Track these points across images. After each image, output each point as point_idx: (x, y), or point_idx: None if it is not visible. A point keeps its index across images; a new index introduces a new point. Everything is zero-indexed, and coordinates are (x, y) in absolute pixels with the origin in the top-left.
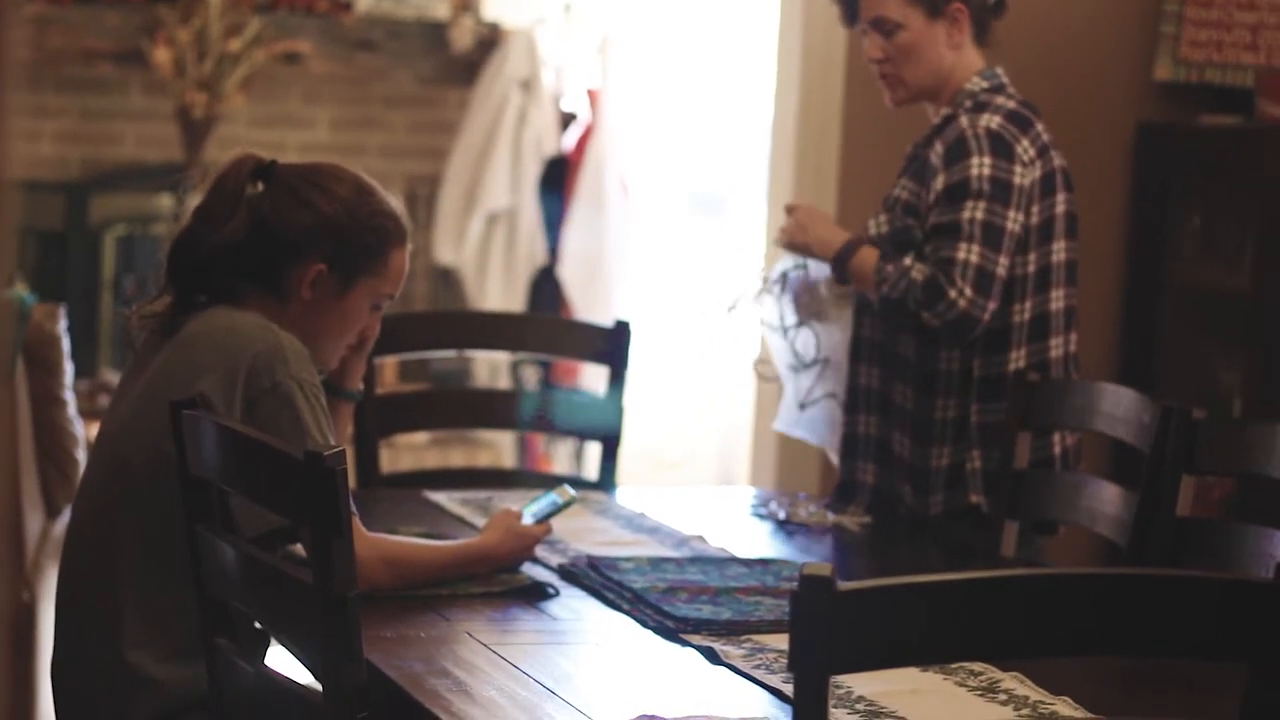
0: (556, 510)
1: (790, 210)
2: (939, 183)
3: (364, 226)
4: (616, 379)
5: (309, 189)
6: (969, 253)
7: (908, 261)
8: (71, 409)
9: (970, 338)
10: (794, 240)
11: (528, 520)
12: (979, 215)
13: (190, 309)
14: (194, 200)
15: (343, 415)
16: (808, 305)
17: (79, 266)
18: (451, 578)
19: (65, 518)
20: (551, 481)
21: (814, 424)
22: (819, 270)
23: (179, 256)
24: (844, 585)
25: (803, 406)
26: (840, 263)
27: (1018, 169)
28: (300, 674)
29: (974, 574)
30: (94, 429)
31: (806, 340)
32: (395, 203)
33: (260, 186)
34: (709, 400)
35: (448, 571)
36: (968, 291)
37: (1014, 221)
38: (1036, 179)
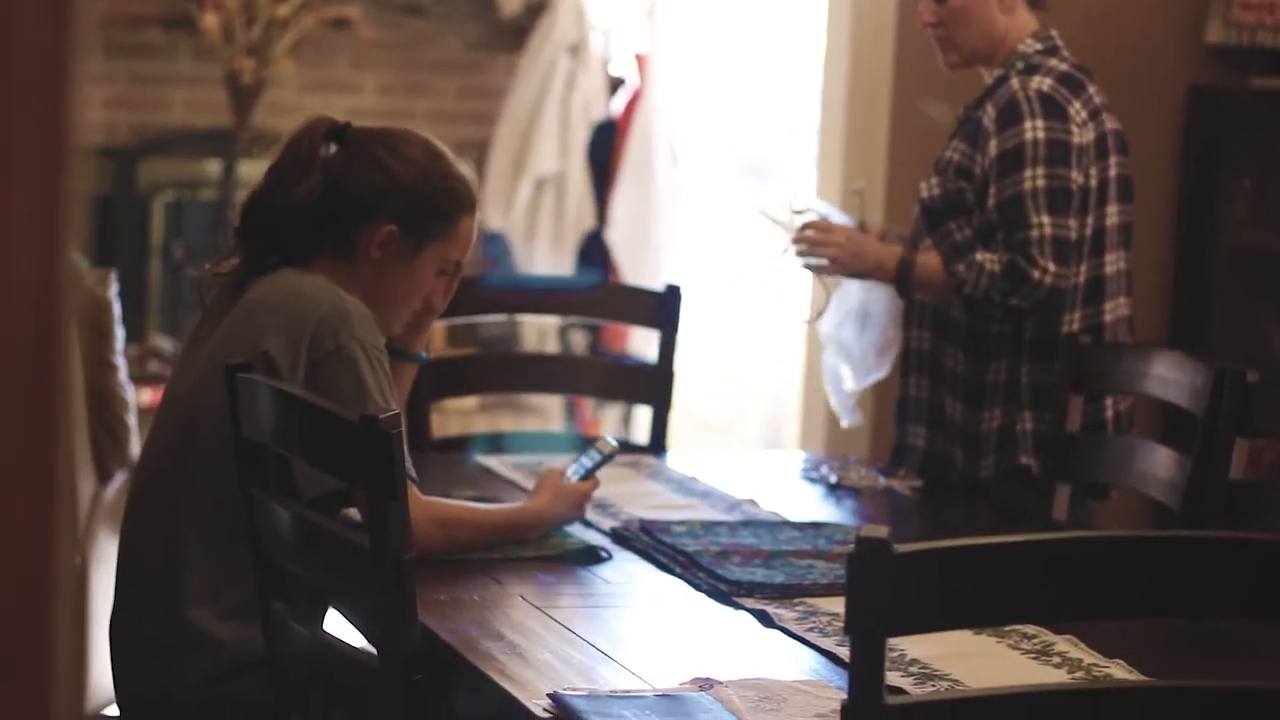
0: (600, 464)
1: (817, 229)
2: (992, 148)
3: (436, 189)
4: (666, 343)
5: (382, 150)
6: (1040, 226)
7: (979, 257)
8: (123, 374)
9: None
10: (850, 269)
11: (572, 479)
12: (1040, 182)
13: (260, 270)
14: (263, 162)
15: (405, 377)
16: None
17: (128, 232)
18: (503, 541)
19: (117, 483)
20: (587, 443)
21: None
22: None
23: (253, 216)
24: (900, 547)
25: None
26: (903, 281)
27: (1072, 128)
28: (355, 638)
29: (1029, 536)
30: (144, 394)
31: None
32: (466, 169)
33: (334, 148)
34: (757, 364)
35: (500, 534)
36: (1051, 267)
37: (1075, 181)
38: (1090, 140)
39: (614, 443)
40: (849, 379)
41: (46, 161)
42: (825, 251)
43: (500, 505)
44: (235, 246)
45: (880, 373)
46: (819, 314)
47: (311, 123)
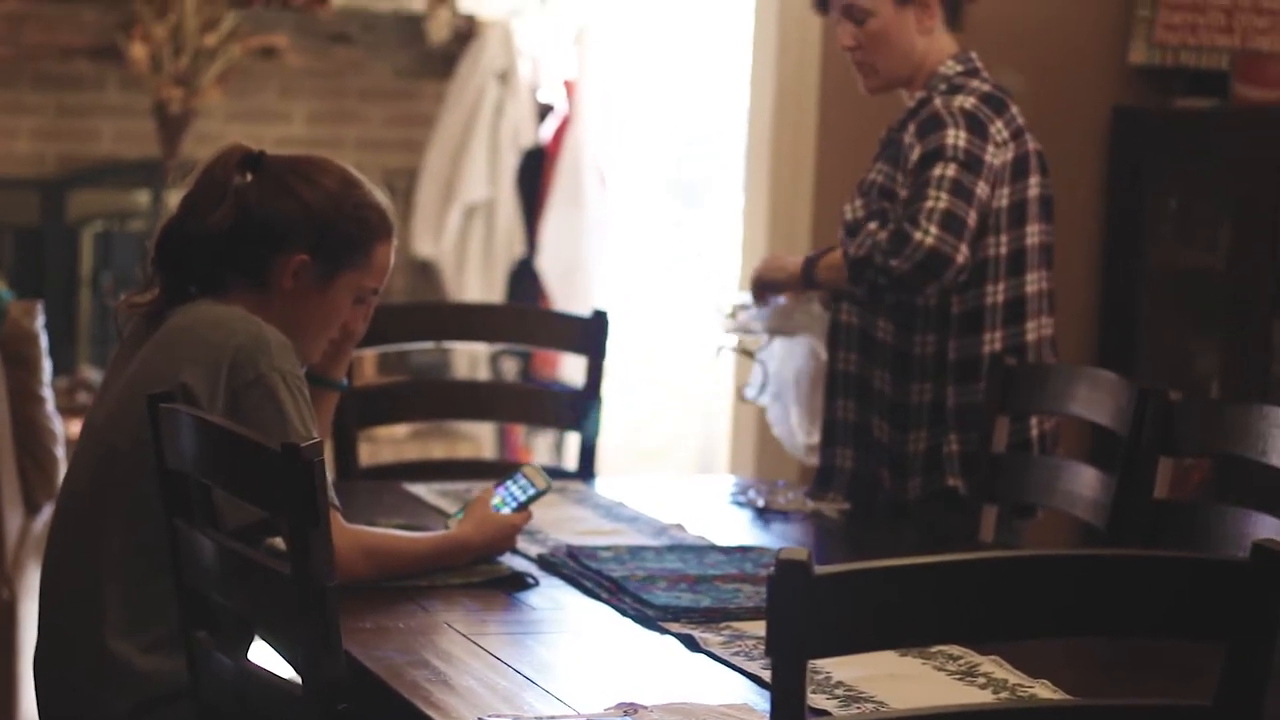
0: (533, 498)
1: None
2: (914, 154)
3: (348, 218)
4: (594, 369)
5: (295, 179)
6: (936, 199)
7: (870, 226)
8: (50, 406)
9: (941, 281)
10: (766, 279)
11: (502, 510)
12: (949, 173)
13: (177, 300)
14: (180, 191)
15: (327, 406)
16: (777, 321)
17: (56, 263)
18: (430, 569)
19: (45, 515)
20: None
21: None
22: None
23: (166, 245)
24: (820, 569)
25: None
26: (809, 268)
27: (990, 147)
28: (281, 667)
29: (950, 557)
30: (73, 426)
31: (773, 353)
32: (382, 197)
33: (248, 177)
34: (688, 389)
35: (427, 562)
36: (933, 230)
37: (982, 190)
38: (1008, 160)
39: (547, 479)
40: (799, 433)
41: None
42: (761, 280)
43: (427, 534)
44: (152, 278)
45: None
46: (758, 387)
47: (225, 151)
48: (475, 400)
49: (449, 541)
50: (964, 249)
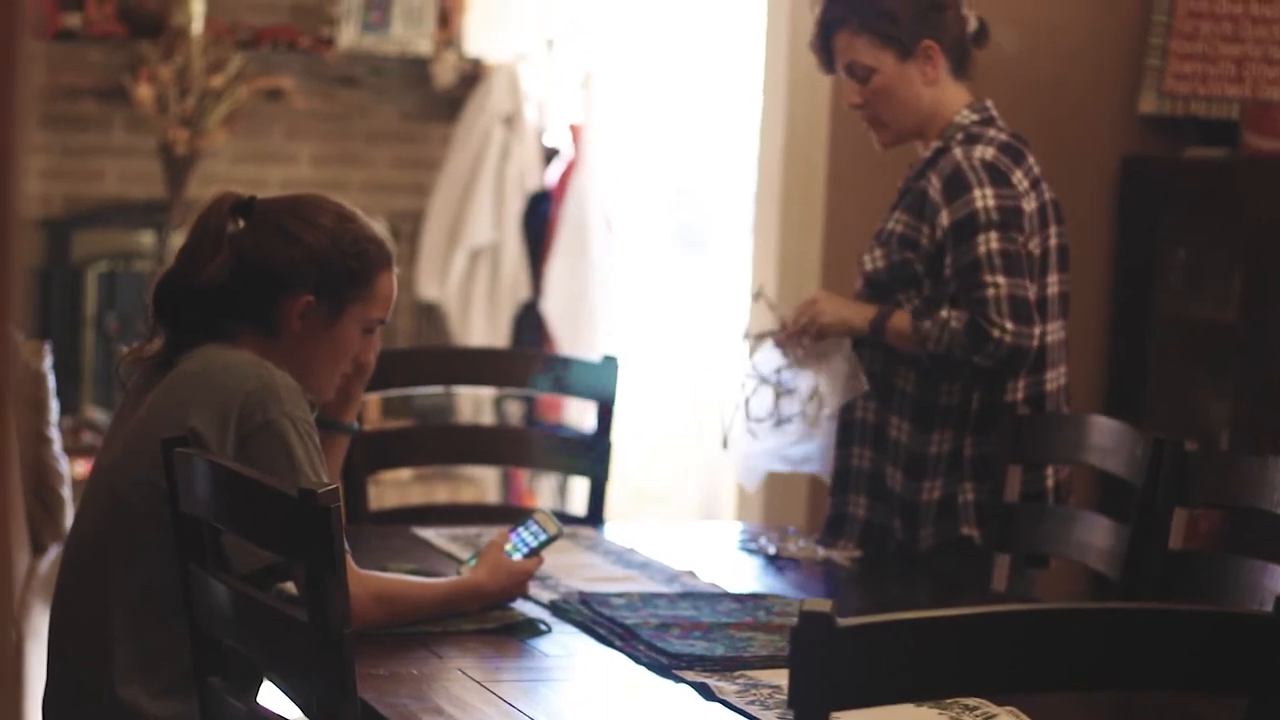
0: (545, 543)
1: (797, 323)
2: (944, 219)
3: (347, 254)
4: (604, 415)
5: (290, 221)
6: (996, 286)
7: (944, 314)
8: (57, 446)
9: (1025, 367)
10: (826, 329)
11: (514, 556)
12: (994, 245)
13: (183, 348)
14: (178, 240)
15: (338, 449)
16: (797, 356)
17: (61, 303)
18: (443, 614)
19: (51, 555)
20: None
21: (771, 458)
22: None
23: (164, 297)
24: (843, 621)
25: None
26: (877, 329)
27: (1019, 194)
28: (291, 712)
29: (976, 610)
30: (78, 466)
31: (793, 380)
32: (378, 227)
33: (241, 223)
34: (692, 434)
35: (440, 608)
36: (1009, 325)
37: (1025, 246)
38: (1034, 209)
39: (559, 524)
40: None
41: None
42: (812, 326)
43: (440, 579)
44: (154, 329)
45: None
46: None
47: (216, 200)
48: (482, 444)
49: (463, 587)
50: (1037, 331)
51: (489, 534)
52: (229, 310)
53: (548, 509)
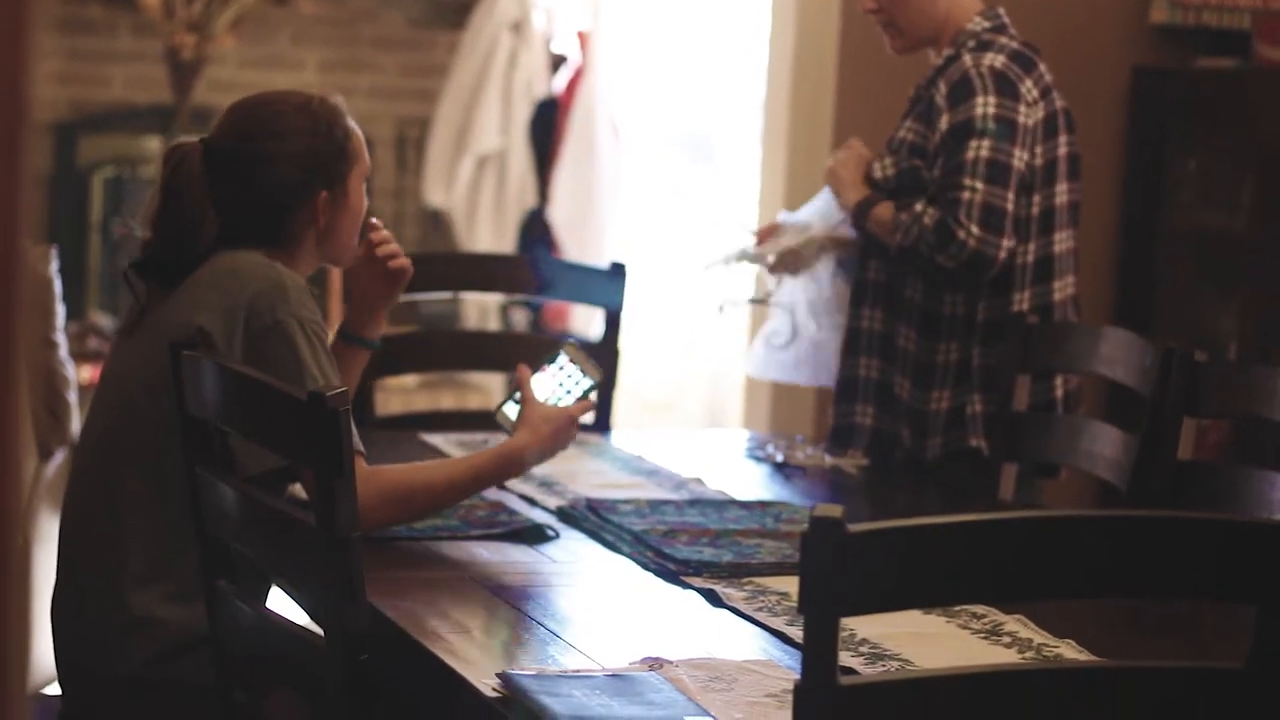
0: (589, 391)
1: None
2: (943, 123)
3: (326, 135)
4: (612, 321)
5: (260, 146)
6: (973, 191)
7: (919, 207)
8: (63, 351)
9: (988, 277)
10: (830, 180)
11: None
12: (984, 153)
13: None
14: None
15: (359, 363)
16: (784, 260)
17: (67, 208)
18: (479, 490)
19: (57, 460)
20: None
21: (784, 366)
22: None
23: (157, 269)
24: (854, 527)
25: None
26: (860, 214)
27: (1022, 108)
28: (301, 617)
29: (985, 515)
30: (85, 371)
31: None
32: (316, 92)
33: (207, 171)
34: (698, 342)
35: (473, 484)
36: (975, 230)
37: (1019, 160)
38: (1040, 119)
39: (596, 364)
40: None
41: (4, 142)
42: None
43: (461, 457)
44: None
45: (781, 376)
46: (789, 335)
47: (176, 163)
48: (487, 351)
49: (503, 455)
50: (1005, 242)
51: (496, 440)
52: (241, 242)
53: (575, 338)
